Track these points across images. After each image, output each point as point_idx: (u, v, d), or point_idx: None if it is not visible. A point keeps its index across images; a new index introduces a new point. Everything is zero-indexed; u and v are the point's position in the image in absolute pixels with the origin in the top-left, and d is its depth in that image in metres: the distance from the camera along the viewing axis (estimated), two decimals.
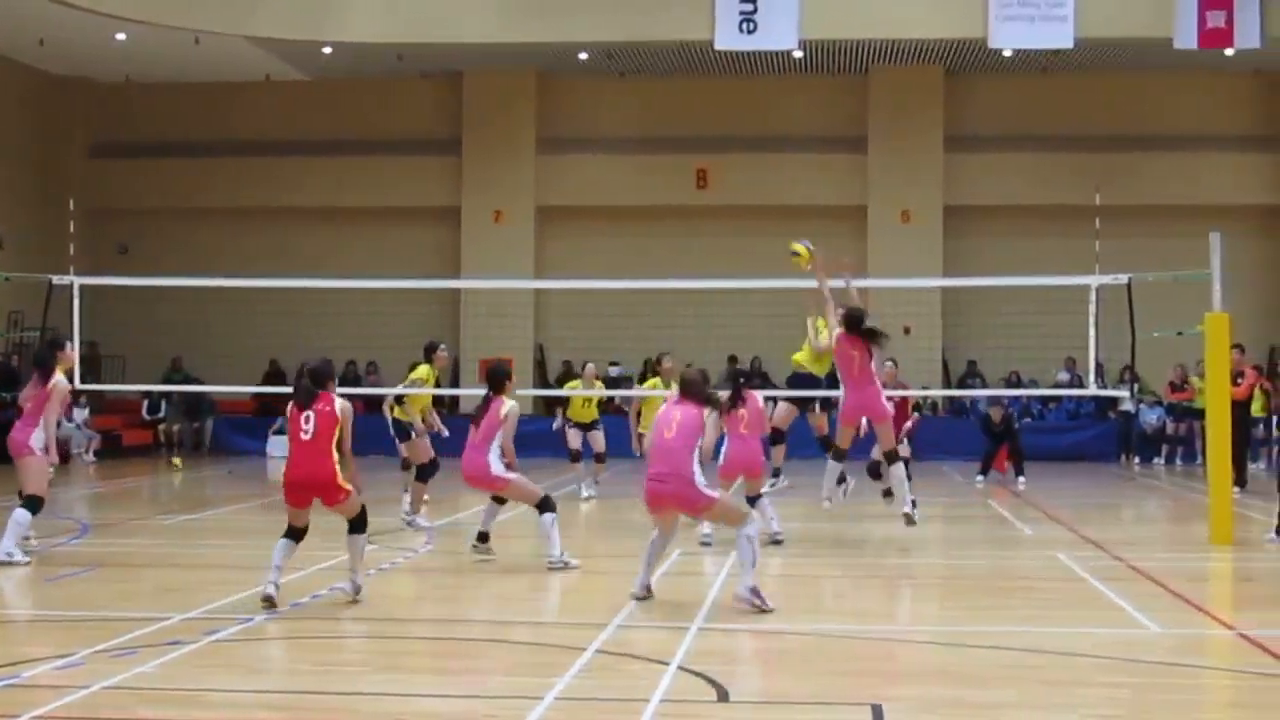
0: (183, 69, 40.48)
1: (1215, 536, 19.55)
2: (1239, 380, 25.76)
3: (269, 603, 13.67)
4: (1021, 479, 29.99)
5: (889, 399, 21.02)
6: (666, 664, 11.30)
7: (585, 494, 25.31)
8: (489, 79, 41.51)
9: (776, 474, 21.15)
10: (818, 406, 21.34)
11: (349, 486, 14.01)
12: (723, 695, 10.40)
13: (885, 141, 40.99)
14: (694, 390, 14.39)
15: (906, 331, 37.06)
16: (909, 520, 18.98)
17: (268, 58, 39.40)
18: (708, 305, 35.91)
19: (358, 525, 14.19)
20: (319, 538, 14.83)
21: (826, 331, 19.86)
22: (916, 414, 24.93)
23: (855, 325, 18.74)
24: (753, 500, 18.21)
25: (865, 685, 10.97)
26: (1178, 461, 36.34)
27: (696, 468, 14.07)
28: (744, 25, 34.35)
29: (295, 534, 14.18)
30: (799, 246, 20.60)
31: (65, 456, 34.35)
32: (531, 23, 37.21)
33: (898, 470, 19.28)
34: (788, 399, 21.22)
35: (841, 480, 20.00)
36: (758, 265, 37.89)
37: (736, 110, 41.52)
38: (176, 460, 36.41)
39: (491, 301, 37.09)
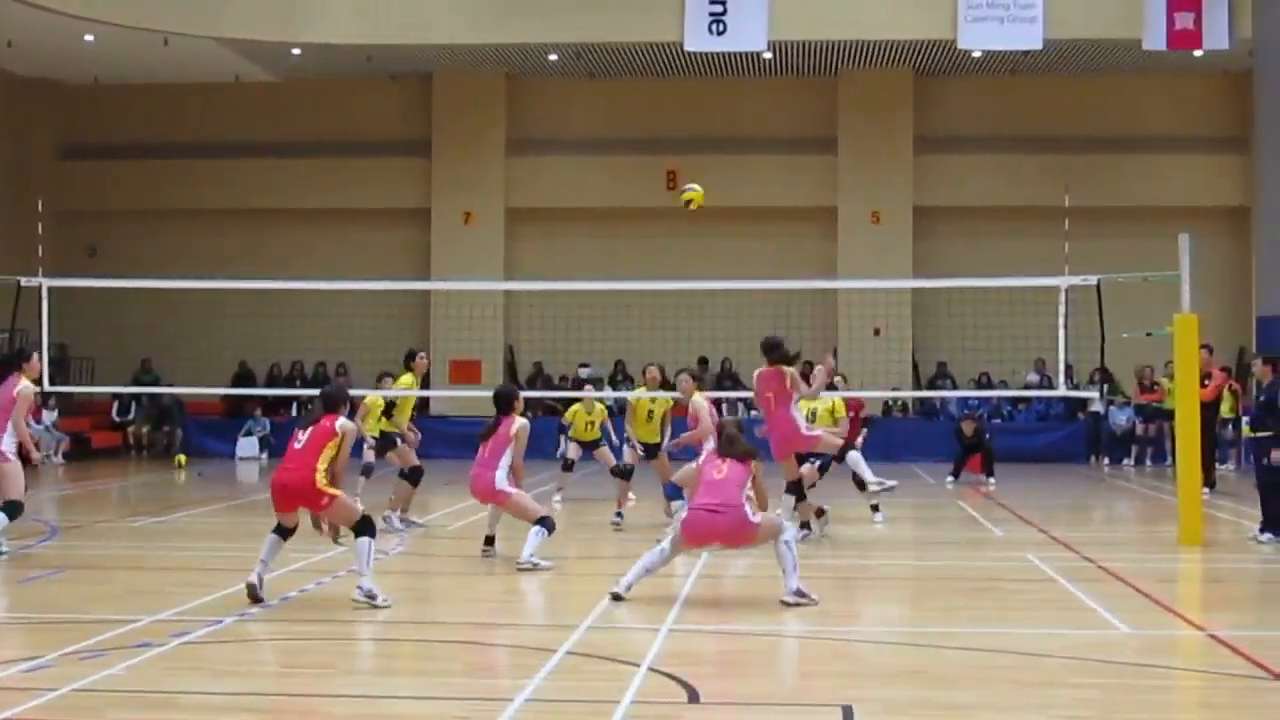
0: (151, 70, 40.36)
1: (1184, 537, 19.60)
2: (1207, 381, 25.80)
3: (251, 591, 13.91)
4: (991, 480, 30.08)
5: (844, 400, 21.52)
6: (637, 665, 11.30)
7: (557, 499, 25.36)
8: (458, 80, 41.48)
9: (805, 526, 21.00)
10: (817, 464, 21.31)
11: (333, 491, 14.01)
12: (693, 696, 10.39)
13: (855, 143, 41.04)
14: (735, 448, 14.74)
15: (876, 333, 37.16)
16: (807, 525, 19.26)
17: (236, 59, 39.31)
18: (678, 306, 35.89)
19: (362, 529, 14.11)
20: (290, 541, 14.77)
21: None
22: (866, 430, 24.91)
23: (772, 351, 18.86)
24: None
25: (836, 686, 10.97)
26: (1147, 462, 36.44)
27: (747, 505, 14.50)
28: (714, 26, 34.41)
29: (283, 531, 14.35)
30: (691, 193, 20.76)
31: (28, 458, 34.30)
32: (501, 24, 37.23)
33: (789, 501, 19.22)
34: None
35: (820, 514, 20.09)
36: (728, 266, 38.13)
37: (706, 111, 41.55)
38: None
39: (461, 303, 37.01)
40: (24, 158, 41.93)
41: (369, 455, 22.30)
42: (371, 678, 11.35)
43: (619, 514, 21.87)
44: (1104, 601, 14.55)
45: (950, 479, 30.51)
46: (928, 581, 17.12)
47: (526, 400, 19.60)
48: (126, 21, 35.27)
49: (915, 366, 40.20)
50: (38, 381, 18.79)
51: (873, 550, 19.49)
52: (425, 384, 22.65)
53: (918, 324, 40.05)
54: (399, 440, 21.71)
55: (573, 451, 25.44)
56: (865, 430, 24.69)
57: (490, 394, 18.09)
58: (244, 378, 39.74)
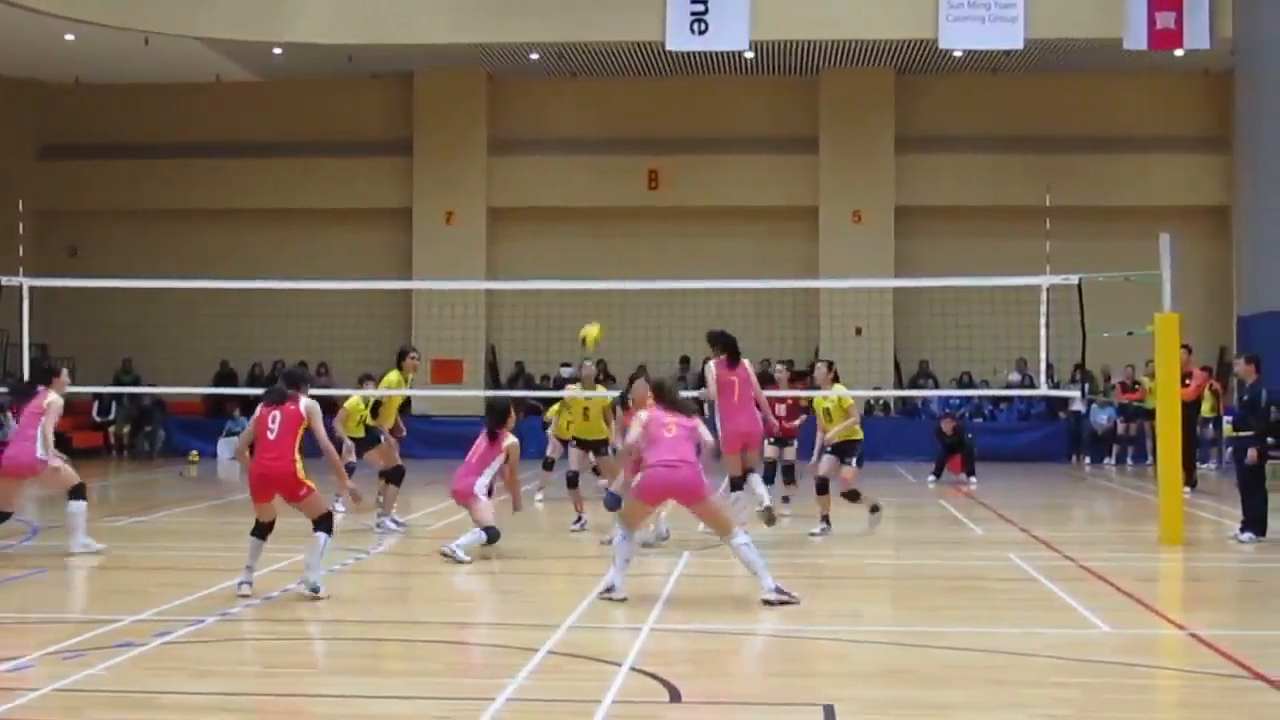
0: (132, 70, 40.28)
1: (1165, 536, 19.64)
2: (1187, 381, 25.85)
3: (245, 598, 14.28)
4: (973, 479, 30.12)
5: (783, 401, 21.71)
6: (619, 665, 11.31)
7: (539, 498, 25.33)
8: (440, 80, 41.45)
9: (825, 520, 21.04)
10: (854, 462, 21.35)
11: (310, 483, 14.43)
12: (675, 696, 10.39)
13: (836, 142, 41.06)
14: (677, 401, 15.02)
15: (858, 332, 37.17)
16: (769, 518, 19.08)
17: (218, 58, 39.24)
18: (660, 306, 35.86)
19: (321, 525, 14.45)
20: (272, 540, 14.80)
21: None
22: (805, 414, 24.99)
23: (730, 348, 19.05)
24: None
25: (817, 685, 10.99)
26: (1128, 462, 36.48)
27: (699, 462, 14.68)
28: (695, 26, 34.40)
29: (261, 530, 14.66)
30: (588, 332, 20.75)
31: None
32: (482, 23, 37.24)
33: (753, 482, 19.22)
34: (831, 452, 21.20)
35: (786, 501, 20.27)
36: (709, 266, 38.12)
37: (688, 111, 41.56)
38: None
39: (443, 302, 36.97)
40: (4, 158, 41.85)
41: (349, 455, 22.26)
42: (354, 677, 11.33)
43: (578, 518, 21.56)
44: (1085, 601, 14.57)
45: (932, 478, 30.55)
46: (909, 581, 17.14)
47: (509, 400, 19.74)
48: (107, 21, 35.21)
49: (897, 366, 40.24)
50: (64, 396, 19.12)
51: (854, 549, 19.48)
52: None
53: (899, 323, 40.07)
54: (382, 438, 21.66)
55: (554, 451, 25.40)
56: (803, 417, 24.69)
57: (472, 393, 18.38)
58: (225, 377, 39.66)
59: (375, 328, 36.65)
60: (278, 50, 38.39)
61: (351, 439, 21.86)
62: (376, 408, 21.77)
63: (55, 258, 40.21)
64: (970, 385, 38.13)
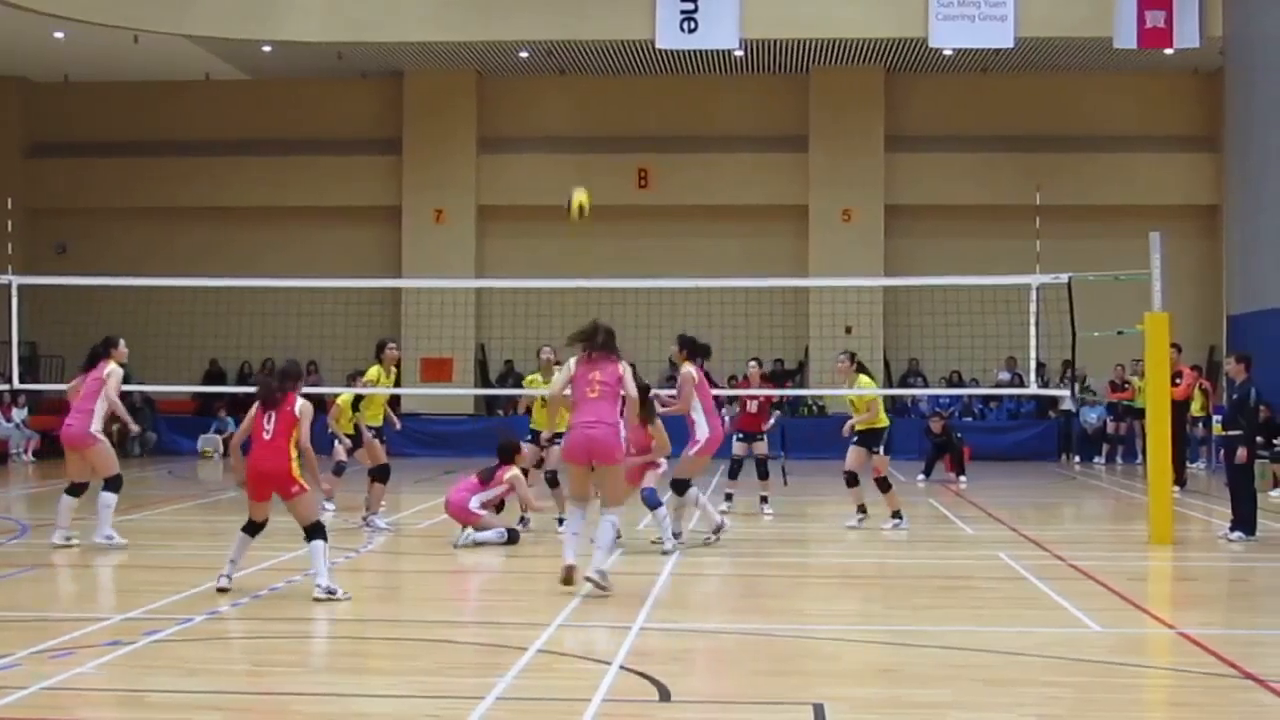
0: (122, 68, 40.28)
1: (1155, 536, 19.64)
2: (1177, 380, 25.86)
3: (223, 593, 14.38)
4: (963, 478, 30.12)
5: (754, 399, 21.91)
6: (608, 663, 11.29)
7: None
8: (429, 78, 41.43)
9: (897, 515, 21.17)
10: (881, 450, 21.44)
11: (303, 482, 14.54)
12: (664, 695, 10.38)
13: (826, 141, 41.06)
14: (605, 343, 15.14)
15: (848, 331, 37.11)
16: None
17: (207, 57, 39.22)
18: (649, 304, 35.79)
19: (314, 534, 14.48)
20: (261, 539, 14.79)
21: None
22: (777, 412, 25.23)
23: (705, 353, 19.56)
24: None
25: (807, 685, 10.97)
26: (1118, 461, 36.52)
27: (621, 422, 14.86)
28: (685, 24, 34.39)
29: (253, 528, 14.78)
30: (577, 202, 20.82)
31: (4, 457, 34.32)
32: (472, 21, 37.25)
33: (691, 495, 19.21)
34: (857, 444, 21.29)
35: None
36: (699, 264, 38.13)
37: (678, 109, 41.57)
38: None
39: (432, 301, 36.93)
40: None
41: (341, 454, 22.20)
42: (342, 676, 11.31)
43: (560, 518, 21.15)
44: (1075, 600, 14.56)
45: (921, 477, 30.56)
46: (899, 580, 17.11)
47: (497, 398, 19.97)
48: (96, 18, 35.19)
49: (887, 364, 40.23)
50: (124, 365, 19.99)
51: (844, 548, 19.49)
52: (398, 376, 22.53)
53: (889, 322, 40.10)
54: (365, 435, 21.59)
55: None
56: (775, 413, 24.87)
57: (461, 392, 18.60)
58: (215, 376, 39.66)
59: (364, 326, 36.50)
60: (267, 48, 38.37)
61: (346, 436, 21.82)
62: (358, 402, 21.73)
63: (44, 256, 40.18)
64: (960, 384, 38.14)
